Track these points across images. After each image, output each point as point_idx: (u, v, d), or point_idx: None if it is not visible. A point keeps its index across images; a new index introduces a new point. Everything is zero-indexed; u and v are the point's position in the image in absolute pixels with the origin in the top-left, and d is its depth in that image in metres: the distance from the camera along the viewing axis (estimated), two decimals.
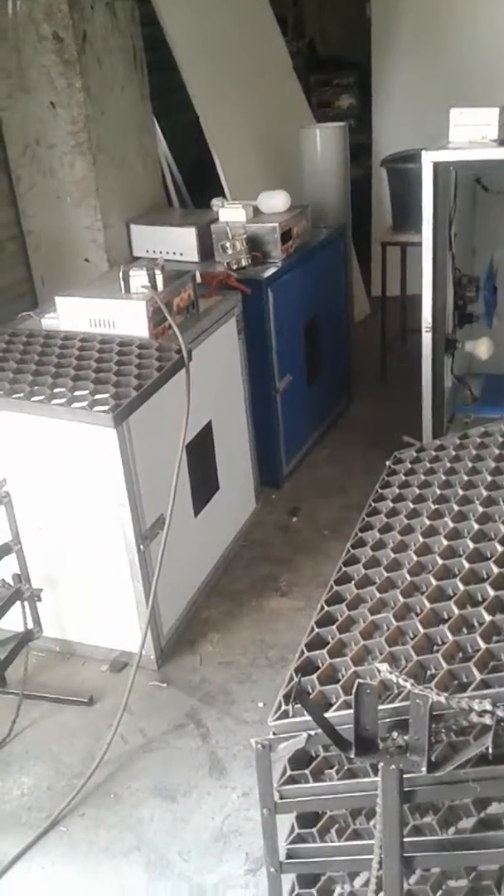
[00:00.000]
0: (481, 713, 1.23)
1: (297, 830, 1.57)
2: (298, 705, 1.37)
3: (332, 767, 1.55)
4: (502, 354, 3.88)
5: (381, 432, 3.79)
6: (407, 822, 1.48)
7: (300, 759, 1.53)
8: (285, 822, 1.57)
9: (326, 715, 1.37)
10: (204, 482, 2.93)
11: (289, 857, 1.55)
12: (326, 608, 1.68)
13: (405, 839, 1.43)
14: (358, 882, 1.64)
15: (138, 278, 2.59)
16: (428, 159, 3.04)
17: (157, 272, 2.61)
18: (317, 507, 3.50)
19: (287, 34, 5.70)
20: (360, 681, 1.28)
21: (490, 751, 1.21)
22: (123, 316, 2.61)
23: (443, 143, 3.10)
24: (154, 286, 2.59)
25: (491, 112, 3.03)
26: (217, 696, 2.52)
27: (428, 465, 2.07)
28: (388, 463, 2.19)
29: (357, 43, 6.07)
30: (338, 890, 1.67)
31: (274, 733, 1.43)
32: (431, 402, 3.47)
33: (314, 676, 1.48)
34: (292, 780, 1.50)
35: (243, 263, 3.30)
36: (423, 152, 3.06)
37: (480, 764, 1.32)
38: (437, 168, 3.03)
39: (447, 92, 4.80)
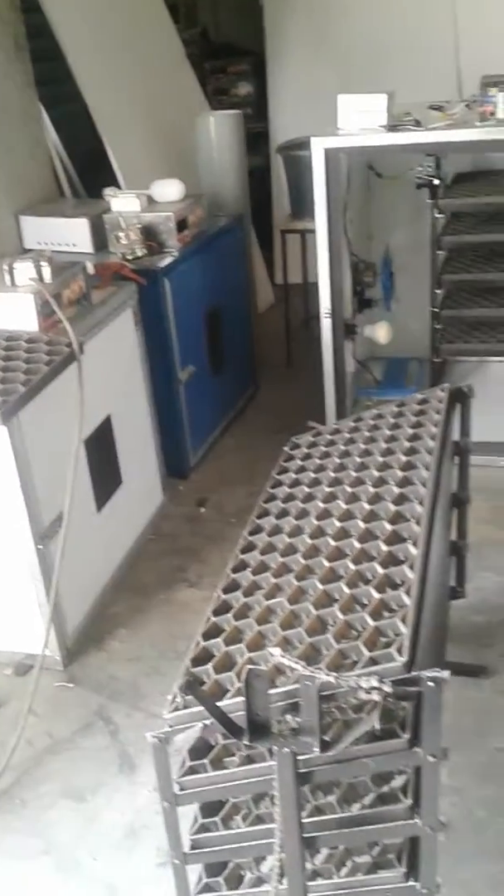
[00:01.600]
0: (369, 690, 1.24)
1: (200, 820, 1.56)
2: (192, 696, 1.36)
3: (232, 755, 1.54)
4: (402, 338, 3.96)
5: (288, 418, 3.78)
6: (308, 803, 1.50)
7: (201, 750, 1.52)
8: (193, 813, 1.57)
9: (220, 703, 1.36)
10: (106, 477, 2.88)
11: (193, 847, 1.54)
12: (223, 597, 1.67)
13: (307, 819, 1.45)
14: (266, 867, 1.64)
15: (24, 270, 2.51)
16: (318, 146, 3.07)
17: (44, 264, 2.54)
18: (224, 495, 3.50)
19: (179, 22, 5.64)
20: (250, 667, 1.28)
21: (377, 727, 1.22)
22: (10, 310, 2.53)
23: (333, 129, 3.13)
24: (41, 278, 2.52)
25: (378, 98, 3.07)
26: (125, 692, 2.49)
27: (323, 448, 2.09)
28: (285, 448, 2.20)
29: (251, 30, 6.06)
30: (248, 875, 1.68)
31: (170, 726, 1.42)
32: (334, 387, 3.52)
33: (209, 666, 1.48)
34: (192, 770, 1.49)
35: (138, 254, 3.26)
36: (313, 139, 3.09)
37: (376, 740, 1.34)
38: (328, 154, 3.06)
39: (342, 78, 4.87)
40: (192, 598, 2.87)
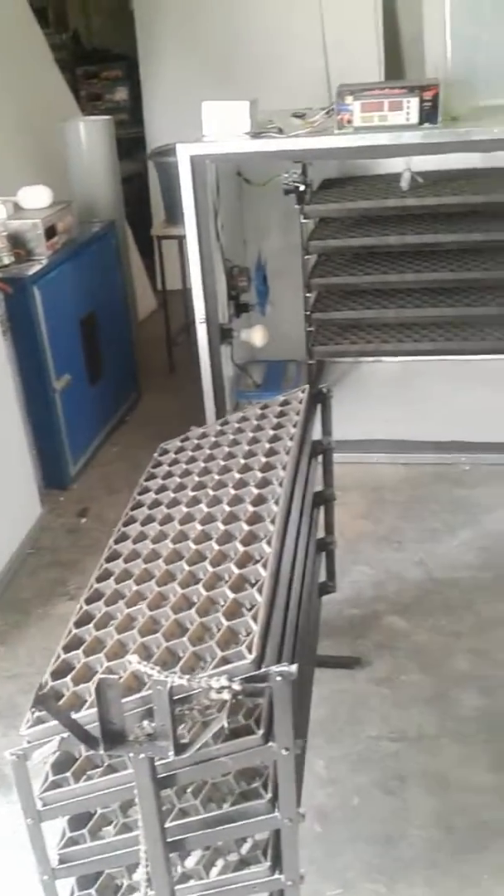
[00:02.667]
0: (219, 689, 1.26)
1: (68, 834, 1.54)
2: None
3: (96, 767, 1.53)
4: (279, 341, 4.03)
5: (171, 424, 3.77)
6: (173, 806, 1.50)
7: (64, 763, 1.51)
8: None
9: (76, 715, 1.36)
10: None
11: (61, 861, 1.53)
12: (85, 607, 1.66)
13: (171, 823, 1.46)
14: (138, 874, 1.64)
15: None
16: (183, 153, 3.09)
17: None
18: (106, 505, 3.47)
19: (48, 26, 5.56)
20: (101, 676, 1.27)
21: (226, 725, 1.25)
22: None
23: (198, 136, 3.15)
24: None
25: (241, 106, 3.11)
26: (2, 710, 2.44)
27: (190, 453, 2.11)
28: (154, 455, 2.21)
29: (124, 35, 6.04)
30: (122, 884, 1.67)
31: (28, 742, 1.40)
32: (213, 392, 3.55)
33: (68, 678, 1.47)
34: (55, 784, 1.47)
35: (5, 261, 3.19)
36: (178, 146, 3.11)
37: (234, 737, 1.37)
38: (193, 161, 3.08)
39: (215, 84, 4.90)
40: (73, 611, 2.81)
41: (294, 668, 1.27)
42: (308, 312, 3.53)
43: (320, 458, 2.29)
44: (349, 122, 2.93)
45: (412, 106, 2.87)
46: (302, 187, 3.36)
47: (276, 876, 1.46)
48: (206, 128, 3.13)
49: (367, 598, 2.78)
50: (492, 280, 3.40)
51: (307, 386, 2.17)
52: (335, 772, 2.17)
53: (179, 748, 1.29)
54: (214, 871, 1.57)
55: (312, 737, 2.23)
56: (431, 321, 3.53)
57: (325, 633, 2.61)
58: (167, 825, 1.42)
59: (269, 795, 1.41)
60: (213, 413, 3.53)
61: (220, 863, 1.58)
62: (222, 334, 3.50)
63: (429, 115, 2.87)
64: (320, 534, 2.41)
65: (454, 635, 2.59)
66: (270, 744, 1.33)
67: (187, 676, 1.29)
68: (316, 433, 2.21)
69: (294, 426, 1.97)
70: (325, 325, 3.64)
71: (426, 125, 2.89)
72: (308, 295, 3.52)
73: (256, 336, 3.75)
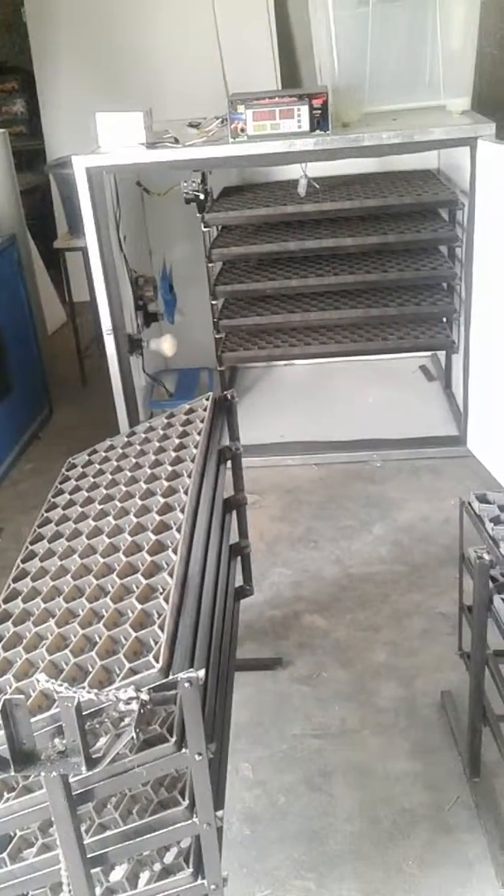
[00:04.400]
0: (128, 701, 1.27)
1: None
2: None
3: (13, 789, 1.51)
4: (191, 349, 4.05)
5: (85, 438, 3.72)
6: (93, 822, 1.50)
7: None
8: None
9: None
10: None
11: None
12: None
13: (92, 839, 1.45)
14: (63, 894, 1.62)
15: None
16: (79, 164, 3.08)
17: None
18: (23, 524, 3.40)
19: None
20: (6, 697, 1.26)
21: (135, 736, 1.25)
22: None
23: (94, 147, 3.14)
24: None
25: (136, 116, 3.12)
26: None
27: (98, 466, 2.10)
28: (62, 470, 2.19)
29: (18, 47, 5.97)
30: None
31: None
32: (125, 403, 3.53)
33: None
34: None
35: None
36: (74, 158, 3.09)
37: (148, 747, 1.37)
38: (90, 173, 3.07)
39: (113, 93, 4.88)
40: None
41: (201, 673, 1.29)
42: (215, 320, 3.55)
43: (230, 463, 2.31)
44: (242, 130, 2.97)
45: (303, 114, 2.93)
46: (202, 196, 3.38)
47: (199, 881, 1.46)
48: (102, 139, 3.12)
49: (287, 599, 2.82)
50: (390, 281, 3.49)
51: (211, 393, 2.19)
52: (261, 773, 2.19)
53: (91, 763, 1.28)
54: (141, 882, 1.56)
55: (237, 740, 2.26)
56: (336, 323, 3.60)
57: (246, 636, 2.65)
58: (87, 841, 1.42)
59: (187, 802, 1.42)
60: (126, 424, 3.51)
61: (145, 874, 1.58)
62: (131, 345, 3.49)
63: (319, 122, 2.94)
64: (236, 539, 2.43)
65: (372, 629, 2.65)
66: (183, 750, 1.34)
67: (95, 691, 1.29)
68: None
69: (199, 434, 1.99)
70: (234, 332, 3.67)
71: (317, 132, 2.96)
72: (214, 302, 3.54)
73: (166, 345, 3.75)
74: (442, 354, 3.94)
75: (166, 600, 1.44)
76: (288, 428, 3.74)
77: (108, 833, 1.45)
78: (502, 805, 2.04)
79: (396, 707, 2.36)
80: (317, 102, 2.93)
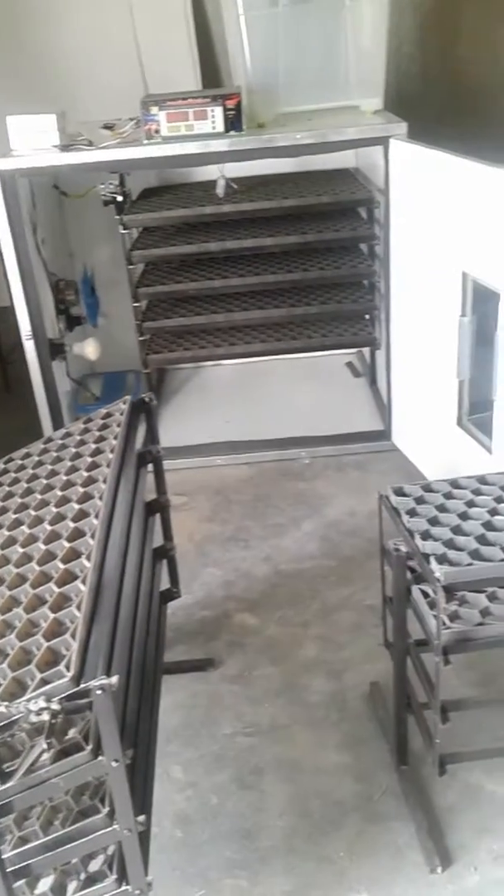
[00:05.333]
0: (38, 712, 1.25)
1: None
2: None
3: None
4: (117, 352, 4.02)
5: (8, 445, 3.71)
6: (13, 835, 1.48)
7: None
8: None
9: None
10: None
11: None
12: None
13: (12, 852, 1.43)
14: None
15: None
16: None
17: None
18: None
19: None
20: None
21: (47, 747, 1.24)
22: None
23: (7, 150, 3.09)
24: None
25: (48, 119, 3.08)
26: None
27: (13, 475, 2.07)
28: None
29: None
30: None
31: None
32: (48, 408, 3.49)
33: None
34: None
35: None
36: None
37: (63, 757, 1.36)
38: (3, 177, 3.02)
39: (28, 95, 4.79)
40: None
41: (114, 679, 1.28)
42: (139, 322, 3.53)
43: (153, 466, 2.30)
44: (157, 132, 2.96)
45: (217, 115, 2.94)
46: (120, 198, 3.36)
47: (124, 888, 1.46)
48: (14, 142, 3.07)
49: (218, 599, 2.82)
50: (313, 280, 3.53)
51: (129, 397, 2.18)
52: (192, 774, 2.19)
53: (4, 777, 1.27)
54: (69, 892, 1.55)
55: (168, 743, 2.26)
56: (261, 323, 3.62)
57: (177, 639, 2.64)
58: (6, 855, 1.40)
59: (107, 809, 1.41)
60: (50, 430, 3.47)
61: (72, 884, 1.57)
62: (53, 349, 3.45)
63: (233, 123, 2.95)
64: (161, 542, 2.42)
65: (301, 625, 2.68)
66: (100, 758, 1.33)
67: (6, 703, 1.27)
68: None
69: (115, 438, 1.98)
70: (159, 334, 3.66)
71: (232, 133, 2.97)
72: (137, 304, 3.52)
73: (89, 349, 3.72)
74: (367, 351, 3.99)
75: (79, 608, 1.43)
76: (216, 428, 3.74)
77: (29, 846, 1.43)
78: (429, 791, 2.09)
79: (326, 701, 2.38)
80: (230, 103, 2.94)
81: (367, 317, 3.66)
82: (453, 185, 2.63)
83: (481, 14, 4.11)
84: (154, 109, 2.93)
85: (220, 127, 2.95)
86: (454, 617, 1.72)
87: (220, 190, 3.40)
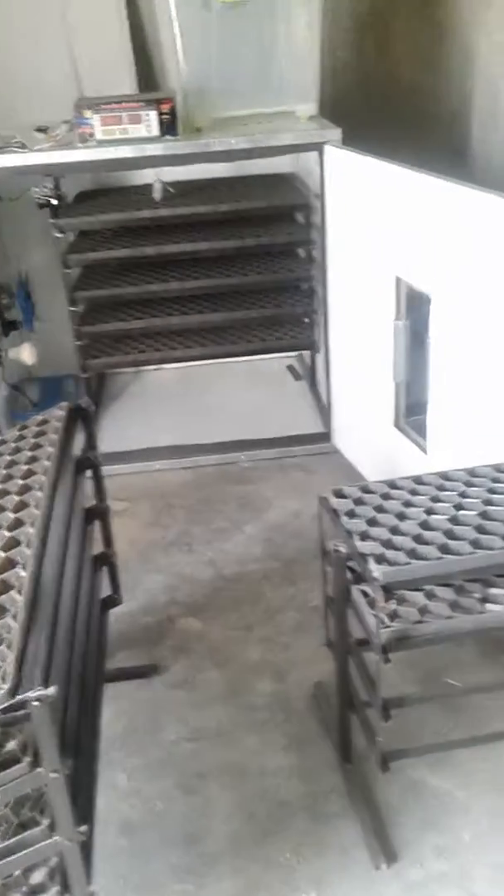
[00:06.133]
0: None
1: None
2: None
3: None
4: (56, 356, 3.96)
5: None
6: None
7: None
8: None
9: None
10: None
11: None
12: None
13: None
14: None
15: None
16: None
17: None
18: None
19: None
20: None
21: None
22: None
23: None
24: None
25: None
26: None
27: None
28: None
29: None
30: None
31: None
32: None
33: None
34: None
35: None
36: None
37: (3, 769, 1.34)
38: None
39: None
40: None
41: (51, 690, 1.27)
42: (77, 326, 3.50)
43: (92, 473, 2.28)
44: (91, 135, 2.94)
45: (151, 119, 2.93)
46: (55, 201, 3.32)
47: None
48: None
49: (161, 605, 2.81)
50: (251, 284, 3.54)
51: (66, 403, 2.16)
52: (137, 782, 2.18)
53: None
54: None
55: (112, 751, 2.24)
56: (200, 326, 3.62)
57: (121, 645, 2.62)
58: None
59: (48, 821, 1.39)
60: None
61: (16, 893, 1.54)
62: None
63: (168, 127, 2.94)
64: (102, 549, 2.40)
65: (246, 628, 2.68)
66: (38, 770, 1.31)
67: None
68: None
69: (52, 445, 1.95)
70: (97, 338, 3.62)
71: (167, 137, 2.96)
72: (74, 309, 3.48)
73: (25, 354, 3.66)
74: (308, 354, 4.02)
75: (15, 619, 1.41)
76: (157, 433, 3.73)
77: None
78: (373, 789, 2.11)
79: (271, 703, 2.39)
80: (165, 107, 2.93)
81: (306, 320, 3.69)
82: (386, 191, 2.67)
83: (413, 18, 4.18)
84: (88, 113, 2.91)
85: (156, 131, 2.94)
86: (393, 616, 1.75)
87: (156, 194, 3.38)
